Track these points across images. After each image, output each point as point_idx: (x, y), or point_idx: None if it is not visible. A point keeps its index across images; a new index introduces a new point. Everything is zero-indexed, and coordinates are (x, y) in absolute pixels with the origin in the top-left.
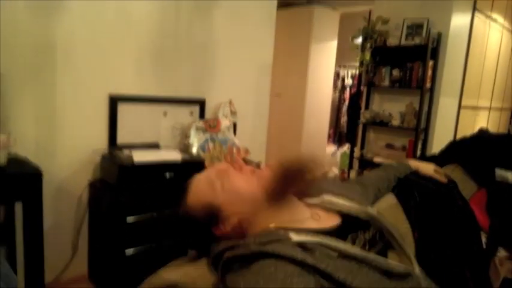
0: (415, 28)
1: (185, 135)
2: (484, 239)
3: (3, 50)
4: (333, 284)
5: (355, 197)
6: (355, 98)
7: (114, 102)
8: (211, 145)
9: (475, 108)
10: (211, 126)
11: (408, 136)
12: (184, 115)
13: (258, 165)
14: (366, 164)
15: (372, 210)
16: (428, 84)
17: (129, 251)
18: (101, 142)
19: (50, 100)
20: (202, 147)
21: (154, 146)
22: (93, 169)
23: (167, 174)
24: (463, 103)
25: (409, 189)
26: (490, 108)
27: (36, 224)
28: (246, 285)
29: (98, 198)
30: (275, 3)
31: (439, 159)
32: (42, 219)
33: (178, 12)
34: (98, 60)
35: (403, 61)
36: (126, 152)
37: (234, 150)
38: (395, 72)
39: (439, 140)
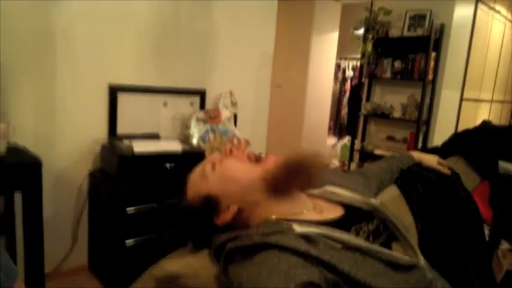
0: (417, 19)
1: (185, 126)
2: (486, 232)
3: (3, 39)
4: (337, 275)
5: (358, 188)
6: (356, 89)
7: (114, 92)
8: (211, 136)
9: (477, 100)
10: (211, 117)
11: (409, 128)
12: (185, 106)
13: (259, 157)
14: (367, 156)
15: (375, 201)
16: (430, 76)
17: (129, 242)
18: (100, 132)
19: (50, 90)
20: (202, 138)
21: (155, 136)
22: (93, 159)
23: (167, 165)
24: (465, 95)
25: (412, 180)
26: (491, 101)
27: (36, 214)
28: (248, 276)
29: (98, 188)
30: None
31: (442, 151)
32: (42, 209)
33: (178, 2)
34: (97, 50)
35: (405, 53)
36: (126, 142)
37: (235, 141)
38: (397, 64)
39: (441, 133)
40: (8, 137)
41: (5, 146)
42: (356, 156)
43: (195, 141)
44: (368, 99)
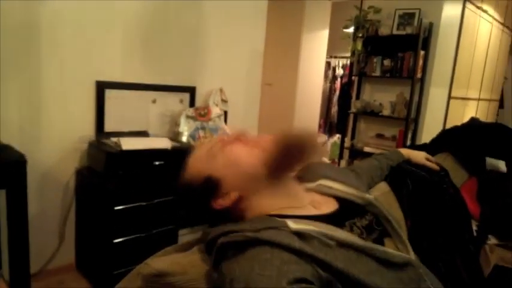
0: (406, 18)
1: (175, 123)
2: (474, 227)
3: None
4: (331, 273)
5: (353, 182)
6: (346, 88)
7: (101, 88)
8: (201, 133)
9: (465, 98)
10: (201, 115)
11: (398, 126)
12: (174, 103)
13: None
14: (356, 153)
15: (369, 196)
16: (419, 75)
17: (118, 240)
18: (88, 129)
19: (36, 86)
20: (192, 136)
21: (143, 133)
22: (80, 156)
23: (156, 163)
24: (453, 94)
25: (402, 177)
26: (479, 99)
27: (21, 213)
28: (241, 271)
29: (85, 186)
30: None
31: (431, 148)
32: (27, 208)
33: None
34: (84, 46)
35: (394, 51)
36: (113, 139)
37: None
38: (387, 62)
39: (429, 130)
40: None
41: None
42: (346, 154)
43: (184, 138)
44: (358, 97)
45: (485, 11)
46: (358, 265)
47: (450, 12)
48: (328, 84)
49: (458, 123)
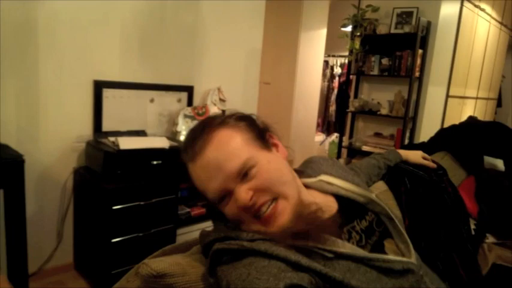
0: (404, 17)
1: (173, 123)
2: (472, 226)
3: None
4: (329, 283)
5: (354, 179)
6: (344, 86)
7: (99, 88)
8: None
9: (463, 97)
10: (199, 114)
11: (396, 125)
12: (172, 102)
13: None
14: (354, 152)
15: (371, 194)
16: (417, 73)
17: (116, 240)
18: (85, 128)
19: (33, 85)
20: None
21: (141, 133)
22: (78, 156)
23: (154, 162)
24: (451, 92)
25: (400, 176)
26: (476, 98)
27: (19, 212)
28: (237, 275)
29: (83, 185)
30: None
31: (428, 147)
32: (25, 207)
33: None
34: (82, 45)
35: (392, 50)
36: (111, 138)
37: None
38: (385, 61)
39: (427, 129)
40: None
41: None
42: (344, 152)
43: (182, 138)
44: (356, 96)
45: (483, 10)
46: (357, 275)
47: (448, 10)
48: (326, 83)
49: (456, 122)
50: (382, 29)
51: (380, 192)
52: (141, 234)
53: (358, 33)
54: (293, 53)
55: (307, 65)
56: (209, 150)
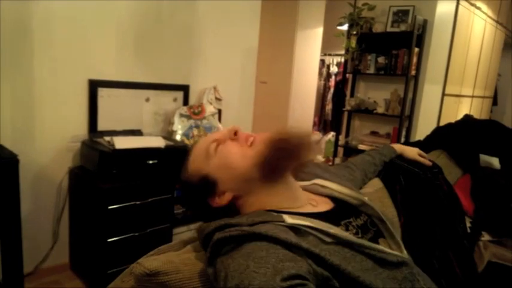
0: (401, 15)
1: (169, 122)
2: (468, 224)
3: None
4: (327, 269)
5: (347, 183)
6: (340, 85)
7: (94, 87)
8: (195, 131)
9: (459, 96)
10: (195, 113)
11: (393, 123)
12: (168, 101)
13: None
14: (351, 151)
15: (363, 197)
16: (413, 72)
17: (112, 239)
18: (81, 128)
19: (28, 84)
20: (186, 134)
21: (137, 132)
22: (73, 156)
23: (150, 161)
24: (447, 91)
25: (395, 173)
26: (472, 96)
27: (14, 212)
28: (235, 268)
29: (78, 185)
30: None
31: (425, 145)
32: (20, 207)
33: None
34: (77, 44)
35: (388, 48)
36: (107, 138)
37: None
38: (381, 60)
39: (423, 128)
40: None
41: None
42: (340, 151)
43: (178, 137)
44: (352, 94)
45: (478, 8)
46: (353, 263)
47: (444, 9)
48: (322, 82)
49: (452, 121)
50: (378, 28)
51: (375, 190)
52: (137, 234)
53: (355, 32)
54: (289, 51)
55: (304, 64)
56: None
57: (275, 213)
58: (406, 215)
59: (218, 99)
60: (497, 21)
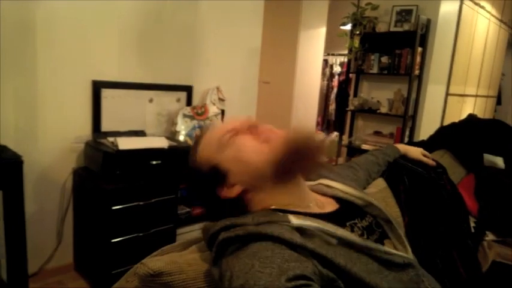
0: (404, 14)
1: (172, 123)
2: (472, 223)
3: None
4: (332, 270)
5: (352, 183)
6: (343, 85)
7: (97, 88)
8: (199, 132)
9: (462, 95)
10: (198, 114)
11: (396, 123)
12: (171, 102)
13: (268, 136)
14: (354, 151)
15: (369, 197)
16: (416, 71)
17: (116, 240)
18: (84, 129)
19: (31, 86)
20: (189, 135)
21: (140, 133)
22: (77, 156)
23: (153, 162)
24: (451, 90)
25: (399, 173)
26: (476, 96)
27: (18, 213)
28: (240, 268)
29: (82, 186)
30: None
31: (428, 145)
32: (24, 208)
33: None
34: (80, 44)
35: (392, 48)
36: (110, 139)
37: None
38: (384, 59)
39: (427, 127)
40: None
41: None
42: (344, 151)
43: (181, 137)
44: (355, 94)
45: (482, 7)
46: (358, 264)
47: (448, 8)
48: (325, 82)
49: (456, 120)
50: (381, 27)
51: (379, 190)
52: (141, 234)
53: (358, 32)
54: (292, 52)
55: (307, 64)
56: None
57: (281, 214)
58: (410, 215)
59: (221, 100)
60: (501, 20)
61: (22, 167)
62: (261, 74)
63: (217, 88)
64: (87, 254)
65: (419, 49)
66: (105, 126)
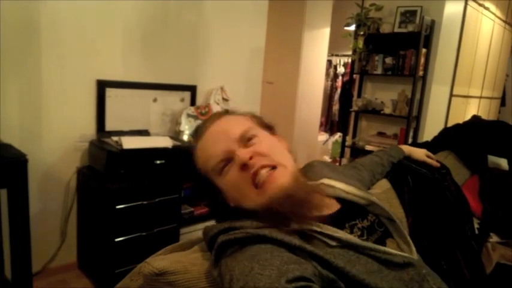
0: (408, 15)
1: (176, 122)
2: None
3: None
4: (331, 271)
5: (355, 183)
6: (347, 86)
7: (102, 87)
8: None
9: (466, 96)
10: (202, 114)
11: (400, 124)
12: (175, 101)
13: (262, 182)
14: (358, 152)
15: (372, 197)
16: (420, 72)
17: (119, 239)
18: (88, 128)
19: (36, 85)
20: (193, 135)
21: (144, 132)
22: (81, 155)
23: (157, 161)
24: (455, 92)
25: (403, 174)
26: (480, 97)
27: (22, 212)
28: (240, 270)
29: (86, 185)
30: None
31: (432, 146)
32: (28, 207)
33: None
34: (85, 44)
35: (396, 49)
36: (114, 138)
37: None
38: (388, 60)
39: (431, 129)
40: None
41: None
42: (347, 152)
43: (185, 137)
44: (359, 95)
45: (487, 9)
46: (358, 265)
47: (452, 9)
48: (329, 83)
49: (460, 121)
50: (385, 28)
51: (383, 190)
52: (144, 234)
53: (362, 33)
54: (296, 52)
55: (311, 65)
56: (216, 123)
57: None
58: (413, 216)
59: (225, 100)
60: (505, 22)
61: (27, 166)
62: (265, 74)
63: (221, 88)
64: (90, 253)
65: (424, 50)
66: (110, 125)
